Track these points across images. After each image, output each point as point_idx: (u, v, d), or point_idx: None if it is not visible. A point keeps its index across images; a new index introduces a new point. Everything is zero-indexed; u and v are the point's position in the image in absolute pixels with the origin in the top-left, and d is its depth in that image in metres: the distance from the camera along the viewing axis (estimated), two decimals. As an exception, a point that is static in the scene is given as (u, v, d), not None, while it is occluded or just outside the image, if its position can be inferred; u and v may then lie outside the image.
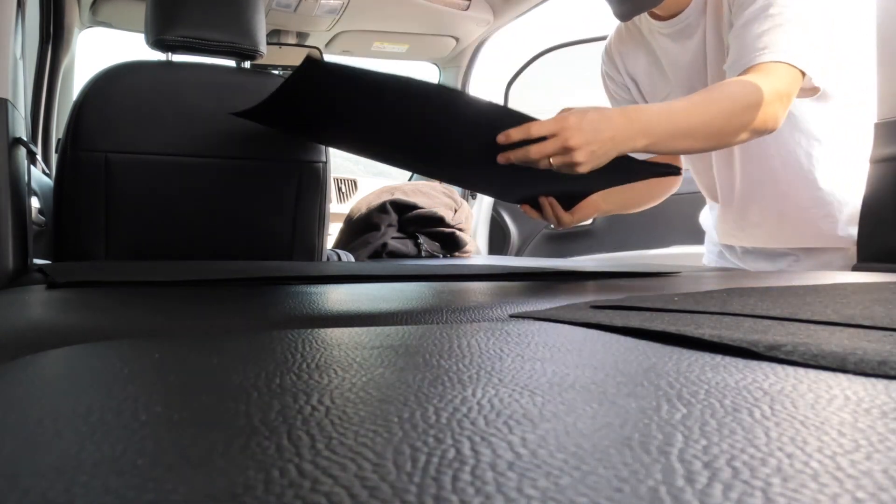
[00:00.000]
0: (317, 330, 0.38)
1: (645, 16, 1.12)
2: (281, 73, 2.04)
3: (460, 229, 2.09)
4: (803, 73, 0.94)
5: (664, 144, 0.88)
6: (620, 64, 1.24)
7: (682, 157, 1.25)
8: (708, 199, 1.29)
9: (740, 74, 0.94)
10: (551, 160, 0.83)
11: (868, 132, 1.07)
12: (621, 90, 1.26)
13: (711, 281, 0.82)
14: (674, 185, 1.28)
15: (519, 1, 2.29)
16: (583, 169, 0.83)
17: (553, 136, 0.82)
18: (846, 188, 1.09)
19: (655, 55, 1.16)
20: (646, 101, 1.23)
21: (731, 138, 0.92)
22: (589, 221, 2.32)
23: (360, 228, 2.01)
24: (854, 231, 1.09)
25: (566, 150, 0.81)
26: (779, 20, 0.94)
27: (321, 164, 1.32)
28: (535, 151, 0.82)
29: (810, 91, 1.01)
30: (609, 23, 1.26)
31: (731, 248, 1.28)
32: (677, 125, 0.87)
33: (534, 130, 0.82)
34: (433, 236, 2.03)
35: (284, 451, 0.18)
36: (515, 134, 0.82)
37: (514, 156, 0.83)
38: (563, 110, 0.84)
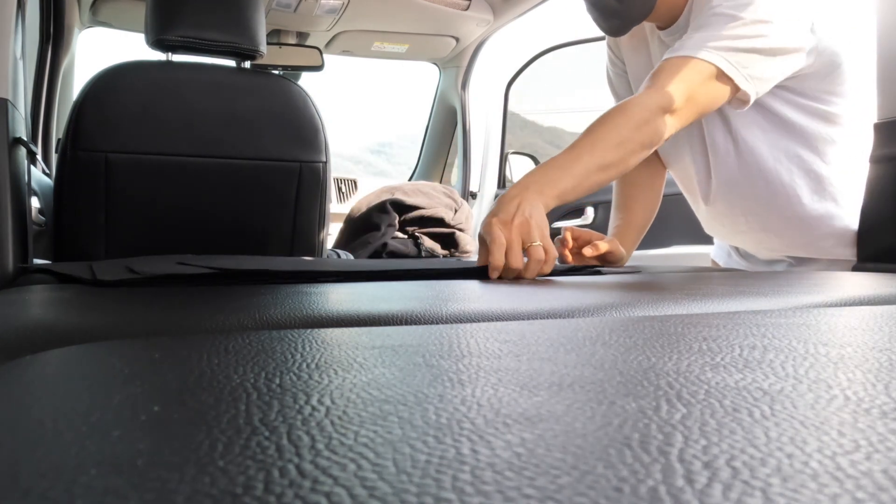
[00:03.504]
0: (317, 330, 0.38)
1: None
2: (281, 72, 2.04)
3: (460, 229, 2.09)
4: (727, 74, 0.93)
5: (573, 192, 0.89)
6: (618, 50, 1.26)
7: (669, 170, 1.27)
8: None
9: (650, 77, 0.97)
10: (527, 253, 0.83)
11: (861, 156, 1.06)
12: (622, 77, 1.29)
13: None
14: (662, 175, 1.31)
15: (519, 1, 2.29)
16: (541, 232, 0.83)
17: (492, 243, 0.82)
18: (832, 205, 1.09)
19: (649, 55, 1.18)
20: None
21: (626, 163, 0.93)
22: (589, 221, 2.32)
23: (360, 228, 2.01)
24: (840, 250, 1.09)
25: (529, 235, 0.82)
26: (713, 20, 0.95)
27: (321, 164, 1.32)
28: (510, 271, 0.81)
29: (742, 100, 0.99)
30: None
31: (736, 248, 1.29)
32: (572, 173, 0.89)
33: (492, 260, 0.81)
34: (433, 236, 2.04)
35: (284, 451, 0.18)
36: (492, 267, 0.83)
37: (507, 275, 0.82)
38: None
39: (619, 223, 1.29)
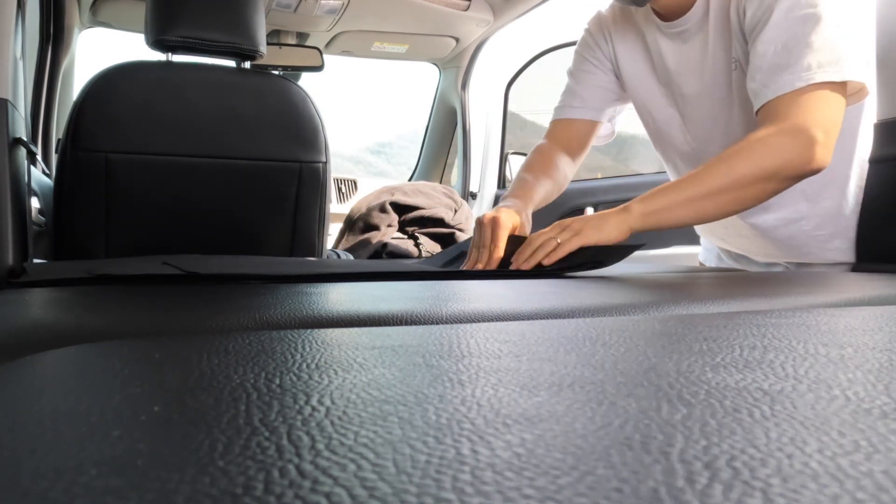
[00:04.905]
0: (317, 330, 0.38)
1: (646, 7, 1.09)
2: (281, 72, 2.04)
3: (460, 229, 2.09)
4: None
5: (668, 212, 0.90)
6: (608, 40, 1.20)
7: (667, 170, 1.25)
8: None
9: (771, 104, 0.92)
10: (558, 239, 0.89)
11: (861, 155, 1.06)
12: (596, 66, 1.21)
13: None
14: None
15: (519, 1, 2.29)
16: (585, 236, 0.88)
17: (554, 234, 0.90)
18: (829, 206, 1.08)
19: (647, 48, 1.14)
20: (623, 87, 1.21)
21: (758, 199, 0.92)
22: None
23: (360, 228, 2.01)
24: (839, 254, 1.08)
25: (567, 229, 0.89)
26: (808, 25, 0.90)
27: (321, 164, 1.32)
28: (540, 252, 0.88)
29: (858, 93, 0.96)
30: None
31: (727, 250, 1.28)
32: (677, 201, 0.90)
33: (538, 241, 0.89)
34: (433, 236, 2.03)
35: (284, 451, 0.18)
36: (531, 255, 0.89)
37: (527, 264, 0.89)
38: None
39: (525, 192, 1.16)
